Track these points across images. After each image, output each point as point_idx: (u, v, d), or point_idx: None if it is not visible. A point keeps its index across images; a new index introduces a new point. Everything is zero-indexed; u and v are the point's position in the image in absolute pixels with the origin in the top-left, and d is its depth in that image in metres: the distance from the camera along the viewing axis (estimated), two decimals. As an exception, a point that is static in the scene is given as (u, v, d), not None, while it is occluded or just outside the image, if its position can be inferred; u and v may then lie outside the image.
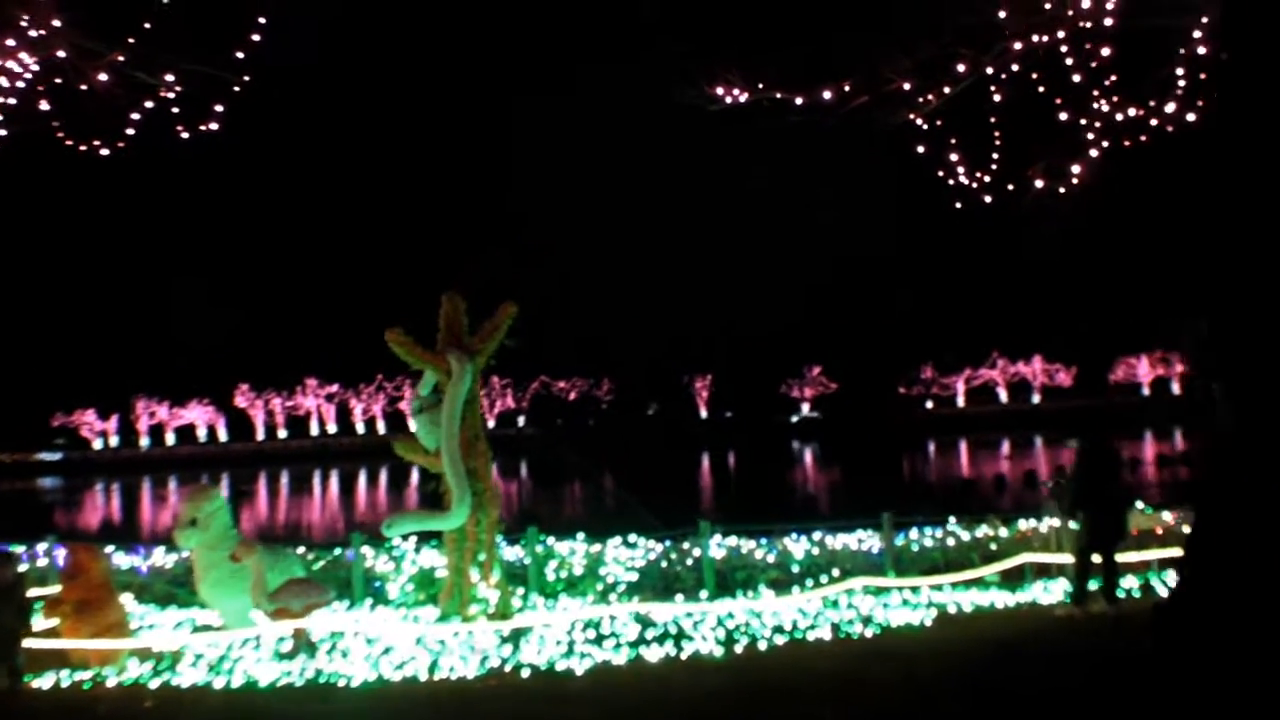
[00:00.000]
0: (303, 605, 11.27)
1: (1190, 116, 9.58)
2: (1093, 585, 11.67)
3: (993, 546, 13.65)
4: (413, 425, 13.05)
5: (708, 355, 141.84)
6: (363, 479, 79.97)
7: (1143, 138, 9.90)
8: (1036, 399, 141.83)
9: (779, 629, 11.27)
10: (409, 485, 69.60)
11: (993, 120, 10.11)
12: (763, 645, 10.72)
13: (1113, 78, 9.39)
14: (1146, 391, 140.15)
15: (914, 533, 13.78)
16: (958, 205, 11.01)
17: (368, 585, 13.99)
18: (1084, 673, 9.17)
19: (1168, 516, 13.81)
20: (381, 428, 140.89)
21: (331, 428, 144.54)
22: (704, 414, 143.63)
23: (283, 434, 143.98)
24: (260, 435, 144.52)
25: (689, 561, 13.57)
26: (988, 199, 10.75)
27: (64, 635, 10.50)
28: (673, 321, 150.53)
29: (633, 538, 13.87)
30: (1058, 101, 9.85)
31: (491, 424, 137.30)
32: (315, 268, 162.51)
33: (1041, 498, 14.05)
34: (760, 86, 9.87)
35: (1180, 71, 9.43)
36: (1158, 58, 9.40)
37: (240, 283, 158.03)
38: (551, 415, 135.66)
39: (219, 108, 9.61)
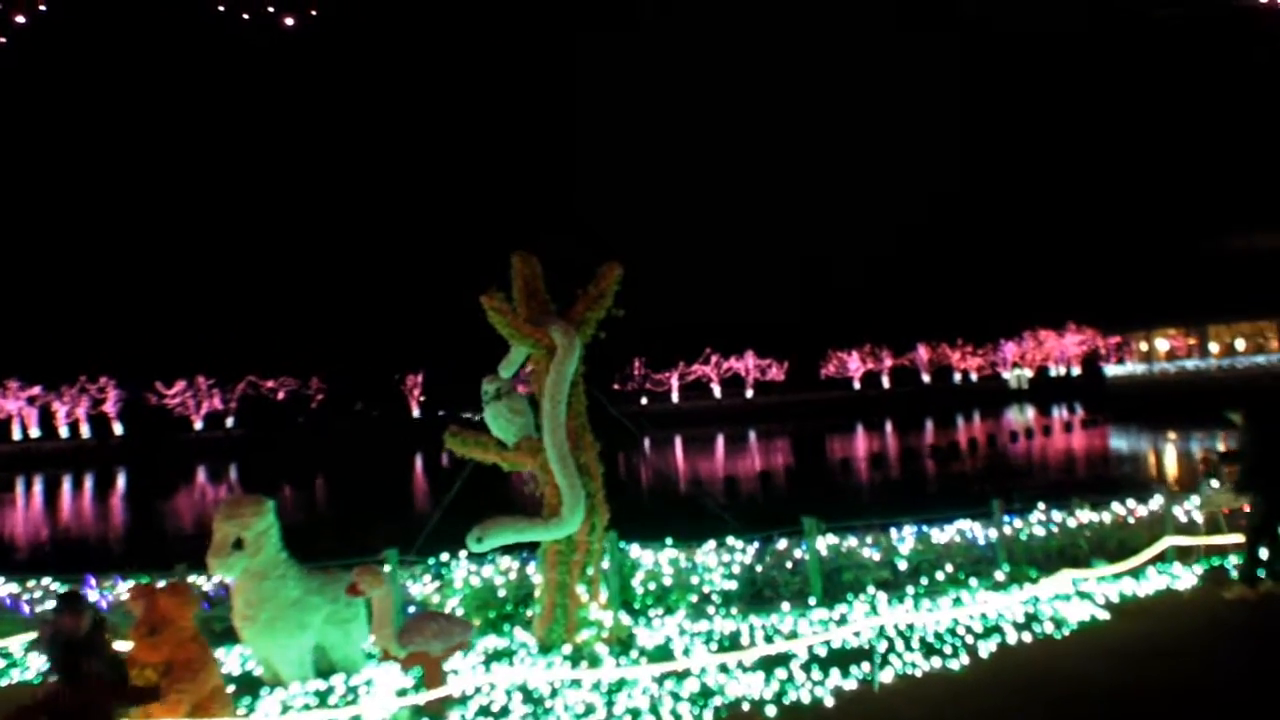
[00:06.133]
0: (444, 648, 9.14)
1: None
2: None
3: (1086, 533, 13.09)
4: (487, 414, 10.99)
5: (421, 351, 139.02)
6: (69, 486, 72.05)
7: None
8: (750, 393, 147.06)
9: (971, 632, 10.27)
10: (114, 490, 63.68)
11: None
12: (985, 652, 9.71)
13: None
14: (858, 385, 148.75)
15: (1017, 522, 13.00)
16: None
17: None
18: None
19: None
20: (85, 431, 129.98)
21: (34, 431, 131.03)
22: (416, 413, 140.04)
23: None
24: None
25: (788, 564, 12.21)
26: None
27: (153, 710, 7.85)
28: (385, 317, 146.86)
29: (730, 540, 12.34)
30: None
31: (199, 426, 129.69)
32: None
33: (1200, 475, 13.56)
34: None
35: None
36: None
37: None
38: (261, 415, 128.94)
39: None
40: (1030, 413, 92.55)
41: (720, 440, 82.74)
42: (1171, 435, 55.27)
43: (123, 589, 12.24)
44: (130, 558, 23.67)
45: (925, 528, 12.77)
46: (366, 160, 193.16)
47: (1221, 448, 12.66)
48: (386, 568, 12.04)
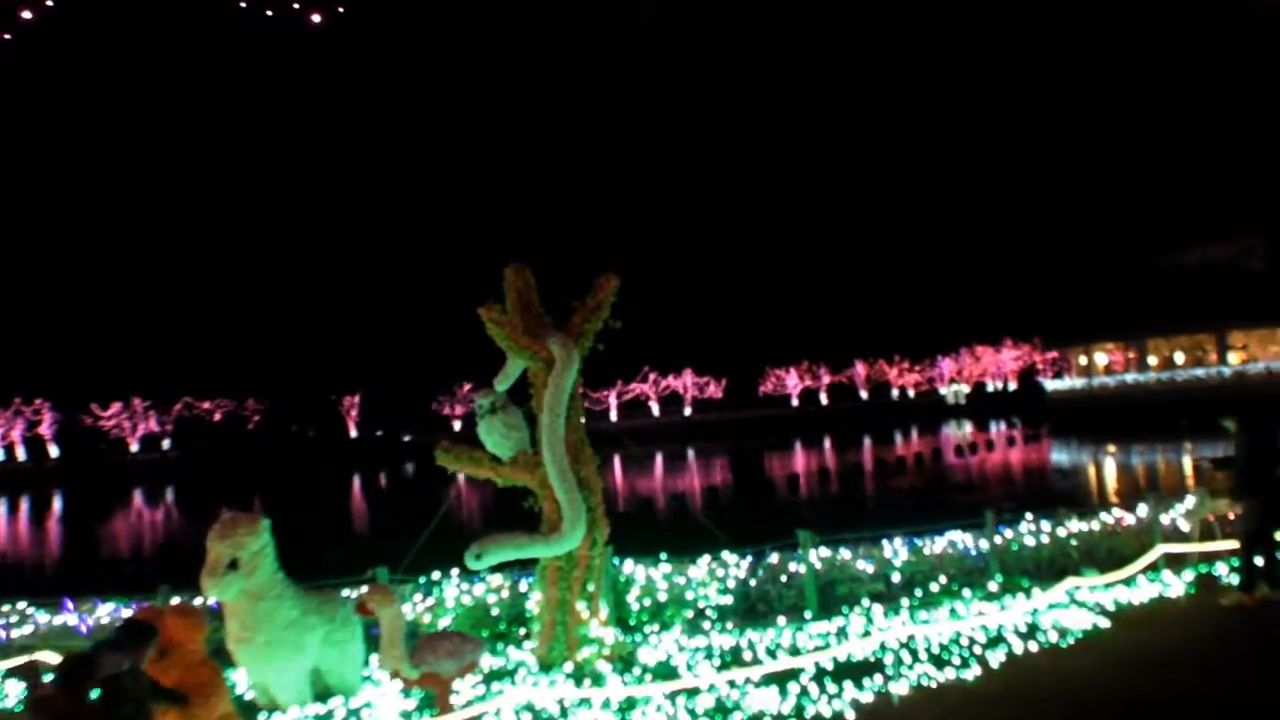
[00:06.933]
0: (457, 666, 8.98)
1: None
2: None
3: (1073, 542, 13.22)
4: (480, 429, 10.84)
5: (359, 372, 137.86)
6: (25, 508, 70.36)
7: None
8: (688, 411, 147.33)
9: (975, 642, 10.29)
10: (49, 512, 62.34)
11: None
12: (995, 663, 9.75)
13: None
14: (795, 402, 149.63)
15: (1008, 532, 13.09)
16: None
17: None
18: None
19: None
20: (21, 454, 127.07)
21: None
22: (354, 433, 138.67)
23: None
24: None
25: (782, 578, 12.20)
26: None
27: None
28: (322, 336, 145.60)
29: (725, 555, 12.30)
30: None
31: (135, 448, 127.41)
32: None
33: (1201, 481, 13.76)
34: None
35: None
36: None
37: None
38: (198, 437, 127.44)
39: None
40: (968, 428, 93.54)
41: (659, 458, 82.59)
42: (1111, 449, 56.06)
43: (103, 612, 11.93)
44: (78, 580, 23.12)
45: (917, 539, 12.83)
46: (299, 182, 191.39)
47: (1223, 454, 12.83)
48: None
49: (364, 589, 11.82)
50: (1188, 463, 44.64)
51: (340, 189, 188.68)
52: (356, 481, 73.90)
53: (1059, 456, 56.02)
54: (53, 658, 10.69)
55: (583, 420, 10.82)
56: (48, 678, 7.22)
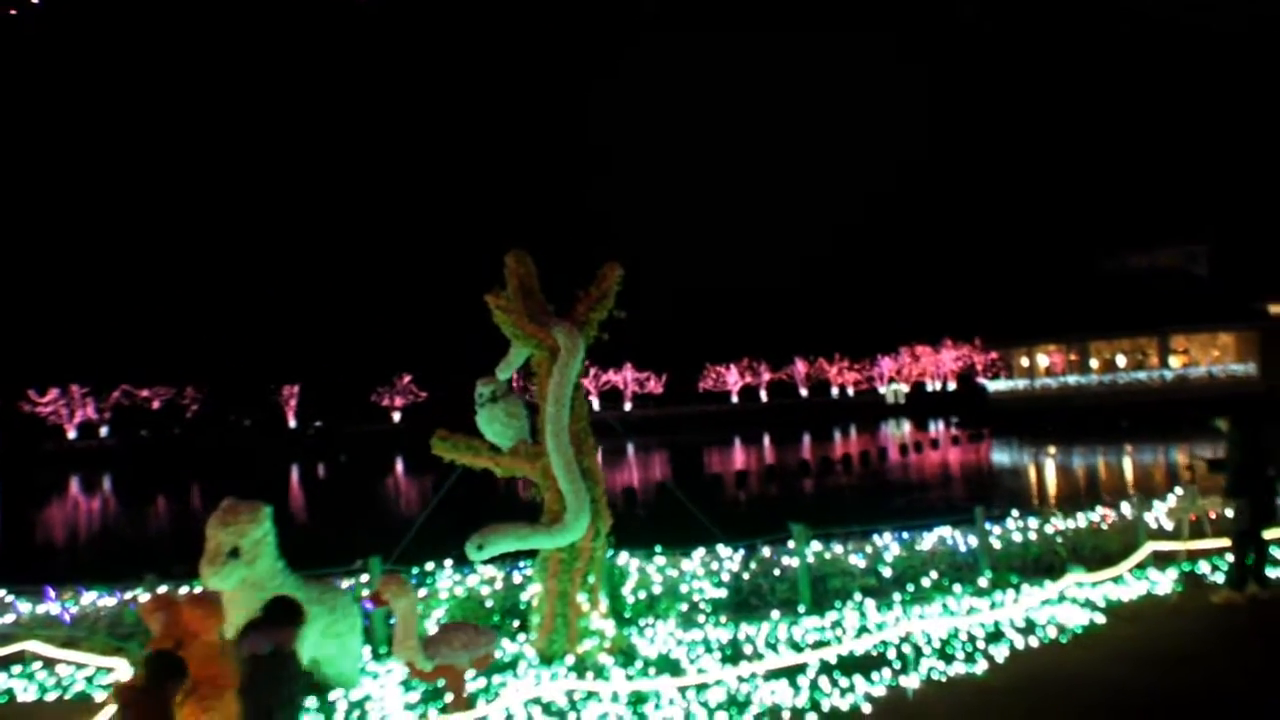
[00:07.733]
0: (471, 659, 8.89)
1: None
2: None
3: (1058, 540, 13.40)
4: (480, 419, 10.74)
5: (298, 362, 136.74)
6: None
7: None
8: (628, 406, 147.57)
9: (975, 637, 10.40)
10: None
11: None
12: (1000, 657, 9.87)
13: None
14: (735, 399, 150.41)
15: (997, 529, 13.23)
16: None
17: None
18: None
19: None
20: None
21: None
22: (293, 423, 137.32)
23: None
24: None
25: (776, 571, 12.24)
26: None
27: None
28: (262, 326, 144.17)
29: (720, 549, 12.31)
30: None
31: (73, 435, 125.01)
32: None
33: (1185, 482, 13.95)
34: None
35: None
36: None
37: None
38: (136, 426, 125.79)
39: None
40: (906, 427, 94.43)
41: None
42: (1051, 450, 56.85)
43: (87, 600, 11.65)
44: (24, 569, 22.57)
45: (908, 534, 12.92)
46: (242, 173, 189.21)
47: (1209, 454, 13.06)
48: (365, 577, 11.72)
49: (353, 580, 11.72)
50: (1128, 464, 45.47)
51: (283, 182, 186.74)
52: (294, 472, 73.06)
53: (1001, 457, 56.66)
54: (40, 648, 10.46)
55: (586, 410, 10.77)
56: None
